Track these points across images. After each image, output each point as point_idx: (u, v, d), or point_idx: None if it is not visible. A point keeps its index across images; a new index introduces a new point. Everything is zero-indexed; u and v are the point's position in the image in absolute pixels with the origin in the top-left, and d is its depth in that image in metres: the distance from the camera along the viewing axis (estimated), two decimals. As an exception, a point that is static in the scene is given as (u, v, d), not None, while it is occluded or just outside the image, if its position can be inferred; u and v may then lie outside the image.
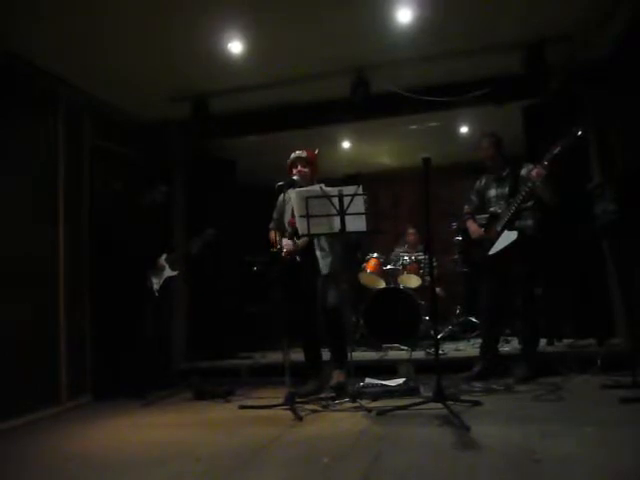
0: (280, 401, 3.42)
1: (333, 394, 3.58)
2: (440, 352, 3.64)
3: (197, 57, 4.19)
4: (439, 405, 2.94)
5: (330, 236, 3.69)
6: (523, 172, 3.83)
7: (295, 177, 3.81)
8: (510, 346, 4.57)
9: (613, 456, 2.18)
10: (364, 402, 3.33)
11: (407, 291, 5.29)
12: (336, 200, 3.31)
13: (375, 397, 3.51)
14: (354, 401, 3.33)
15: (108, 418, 3.64)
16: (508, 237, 3.77)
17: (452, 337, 5.55)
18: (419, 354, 4.67)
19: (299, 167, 3.86)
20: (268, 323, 5.63)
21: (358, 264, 5.72)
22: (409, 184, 7.34)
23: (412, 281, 5.54)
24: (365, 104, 4.58)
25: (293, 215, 3.61)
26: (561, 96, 4.61)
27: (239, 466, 2.39)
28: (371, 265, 5.61)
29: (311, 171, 3.89)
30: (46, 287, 4.06)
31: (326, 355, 3.94)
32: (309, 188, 3.49)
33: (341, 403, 3.42)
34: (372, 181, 6.45)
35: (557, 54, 4.17)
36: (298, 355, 3.96)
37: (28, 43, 3.74)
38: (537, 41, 4.11)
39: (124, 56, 4.06)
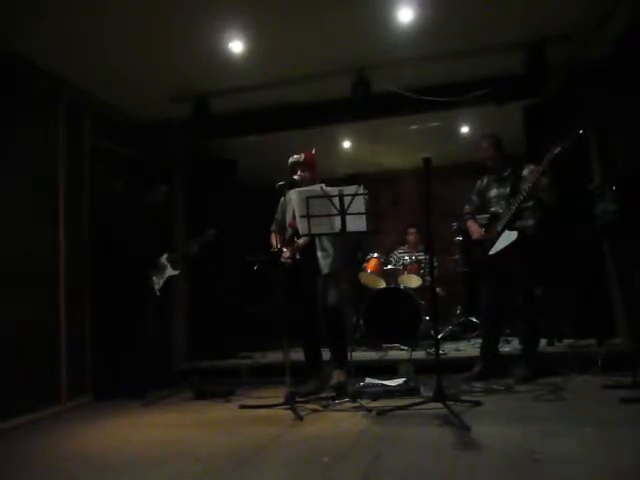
0: (280, 401, 3.42)
1: (333, 394, 3.59)
2: (440, 352, 3.64)
3: (197, 57, 4.19)
4: (439, 405, 2.94)
5: (332, 236, 3.69)
6: (525, 172, 3.83)
7: (296, 177, 3.82)
8: (510, 346, 4.57)
9: (613, 456, 2.18)
10: (364, 402, 3.33)
11: (407, 291, 5.29)
12: (336, 200, 3.32)
13: (375, 397, 3.51)
14: (354, 401, 3.33)
15: (108, 418, 3.64)
16: (508, 237, 3.77)
17: (452, 337, 5.55)
18: (419, 354, 4.67)
19: (299, 172, 3.86)
20: (268, 323, 5.64)
21: (358, 264, 5.72)
22: (409, 184, 7.35)
23: (412, 281, 5.54)
24: (365, 104, 4.58)
25: (294, 216, 3.62)
26: (561, 96, 4.61)
27: (239, 466, 2.39)
28: (371, 265, 5.61)
29: (311, 173, 3.89)
30: (46, 287, 4.06)
31: (326, 355, 3.95)
32: (310, 188, 3.50)
33: (341, 403, 3.42)
34: (372, 181, 6.42)
35: (557, 54, 4.17)
36: (298, 355, 3.96)
37: (28, 43, 3.74)
38: (537, 41, 4.12)
39: (124, 56, 4.06)
